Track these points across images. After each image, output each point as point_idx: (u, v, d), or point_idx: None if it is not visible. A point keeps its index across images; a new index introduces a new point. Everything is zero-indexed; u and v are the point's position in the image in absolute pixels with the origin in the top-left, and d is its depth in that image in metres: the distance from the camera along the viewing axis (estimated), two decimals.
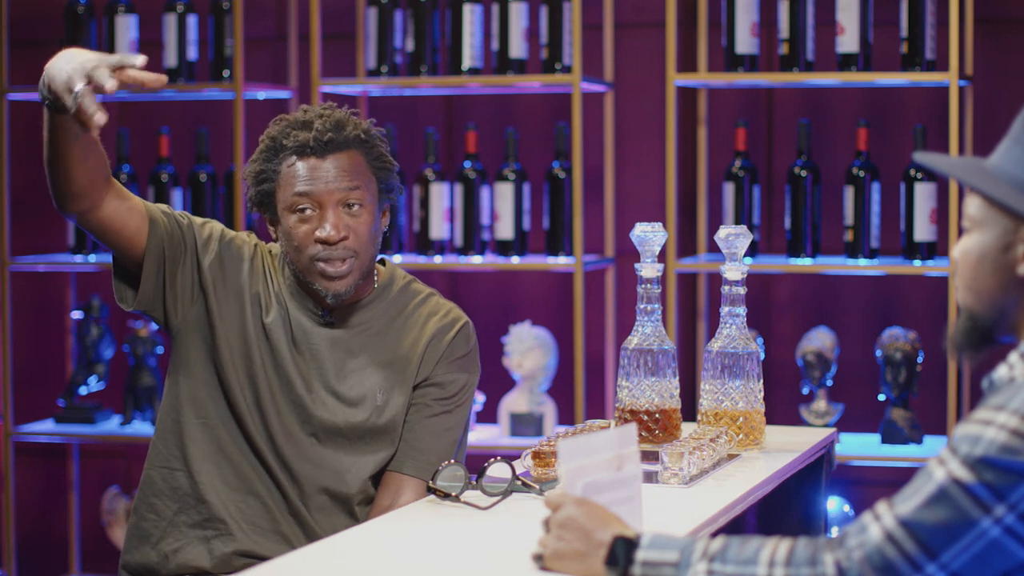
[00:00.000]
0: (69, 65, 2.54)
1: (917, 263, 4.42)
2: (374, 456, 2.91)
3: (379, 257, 3.00)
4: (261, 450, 2.88)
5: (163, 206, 2.87)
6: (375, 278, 2.97)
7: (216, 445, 2.89)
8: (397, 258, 4.75)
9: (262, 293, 2.91)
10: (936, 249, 4.45)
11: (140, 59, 2.56)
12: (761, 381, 3.01)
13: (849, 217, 4.50)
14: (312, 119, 2.87)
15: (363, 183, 2.86)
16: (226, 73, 4.84)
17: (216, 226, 2.93)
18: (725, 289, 3.01)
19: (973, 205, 2.06)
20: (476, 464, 2.70)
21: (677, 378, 2.88)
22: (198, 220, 2.91)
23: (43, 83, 2.58)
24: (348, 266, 2.84)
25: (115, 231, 2.78)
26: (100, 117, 2.53)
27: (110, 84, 2.52)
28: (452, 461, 2.65)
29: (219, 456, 2.89)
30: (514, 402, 4.78)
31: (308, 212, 2.83)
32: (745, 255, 3.01)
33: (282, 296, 2.92)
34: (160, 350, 4.98)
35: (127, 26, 4.87)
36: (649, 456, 2.69)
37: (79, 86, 2.52)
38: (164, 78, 2.59)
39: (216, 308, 2.88)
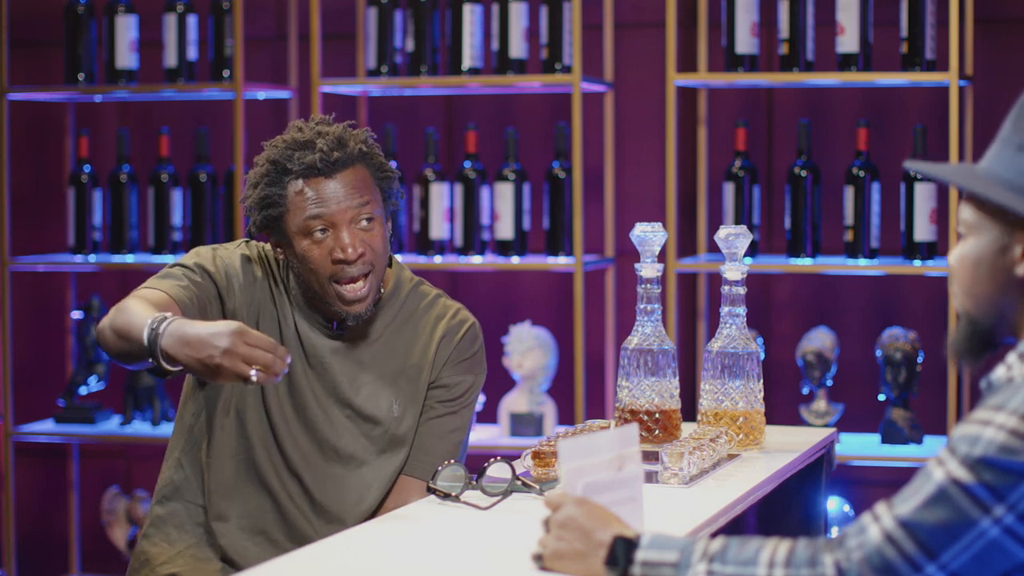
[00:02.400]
0: (212, 351, 2.45)
1: (917, 263, 4.42)
2: (393, 464, 2.90)
3: None
4: (270, 482, 2.86)
5: (174, 277, 2.78)
6: (381, 283, 2.95)
7: (222, 483, 2.87)
8: (397, 258, 4.74)
9: (276, 313, 2.88)
10: (936, 249, 4.45)
11: (287, 358, 2.49)
12: (761, 381, 3.01)
13: (849, 217, 4.50)
14: (313, 138, 2.81)
15: (372, 196, 2.82)
16: (226, 73, 4.84)
17: (224, 257, 2.86)
18: (725, 289, 3.01)
19: (967, 210, 2.06)
20: (476, 464, 2.70)
21: (677, 378, 2.88)
22: (208, 263, 2.83)
23: (159, 344, 2.50)
24: (368, 287, 2.81)
25: None
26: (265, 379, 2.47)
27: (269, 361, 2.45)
28: (452, 461, 2.65)
29: (231, 492, 2.87)
30: (514, 402, 4.78)
31: (321, 234, 2.79)
32: (745, 255, 3.01)
33: (292, 308, 2.88)
34: None
35: (127, 26, 4.87)
36: (649, 456, 2.69)
37: (253, 374, 2.43)
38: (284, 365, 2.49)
39: None
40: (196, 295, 2.78)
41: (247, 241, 2.95)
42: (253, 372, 2.44)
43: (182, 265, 2.83)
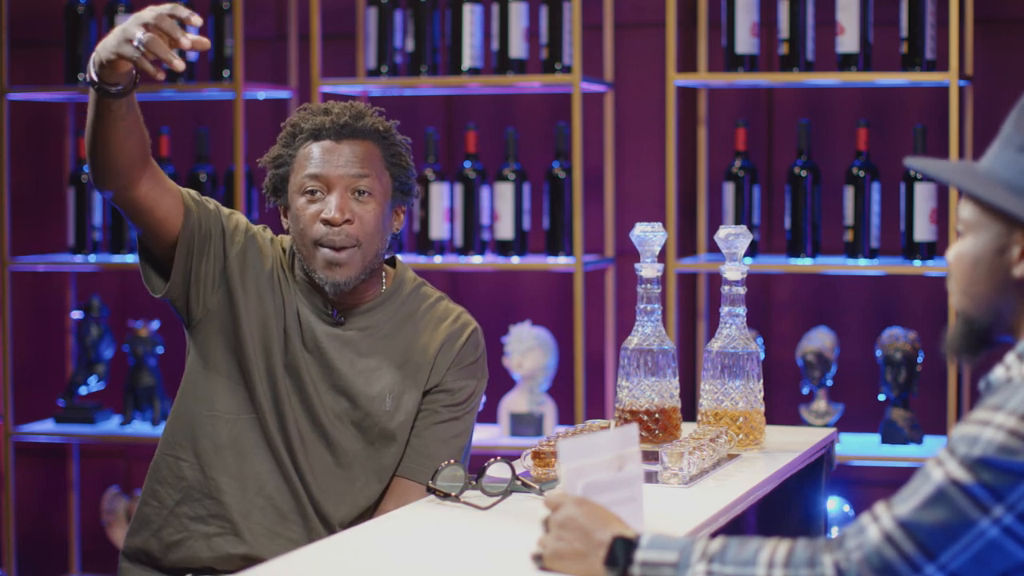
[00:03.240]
0: (117, 29, 2.55)
1: (917, 263, 4.42)
2: (382, 459, 2.90)
3: (389, 256, 2.99)
4: (277, 449, 2.86)
5: (193, 192, 2.87)
6: (383, 280, 2.95)
7: (231, 440, 2.87)
8: (399, 258, 4.74)
9: (283, 291, 2.90)
10: (936, 249, 4.45)
11: (196, 19, 2.58)
12: (761, 381, 3.01)
13: (849, 217, 4.50)
14: (332, 107, 2.89)
15: (375, 173, 2.86)
16: (226, 73, 4.85)
17: (242, 218, 2.93)
18: (725, 289, 3.01)
19: (966, 209, 2.06)
20: (476, 464, 2.70)
21: (677, 378, 2.88)
22: (225, 209, 2.91)
23: (91, 63, 2.58)
24: (348, 255, 2.83)
25: (147, 212, 2.77)
26: (178, 64, 2.53)
27: (154, 17, 2.53)
28: (452, 461, 2.65)
29: (232, 452, 2.87)
30: (514, 402, 4.78)
31: (317, 194, 2.84)
32: (745, 255, 3.01)
33: (295, 293, 2.90)
34: (160, 350, 4.98)
35: None
36: (649, 456, 2.69)
37: (139, 34, 2.52)
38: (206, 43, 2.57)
39: (240, 300, 2.86)
40: (200, 217, 2.83)
41: (265, 227, 2.99)
42: (140, 34, 2.52)
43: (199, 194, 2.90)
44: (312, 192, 2.84)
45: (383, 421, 2.90)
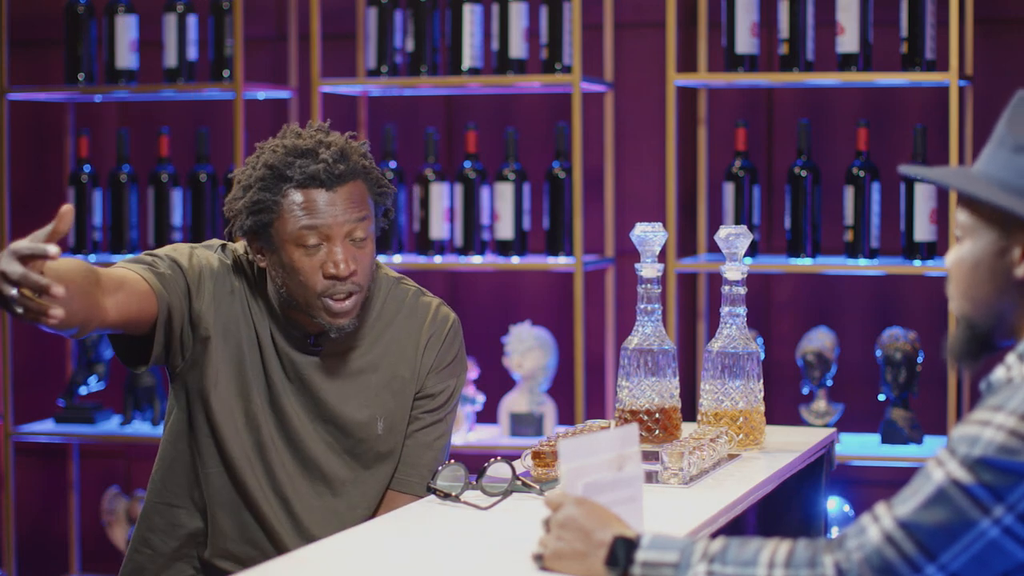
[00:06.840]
0: None
1: (917, 263, 4.42)
2: (378, 480, 2.88)
3: None
4: (256, 500, 2.81)
5: (144, 264, 2.73)
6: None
7: (212, 492, 2.82)
8: (397, 258, 4.74)
9: (255, 327, 2.81)
10: (936, 249, 4.45)
11: (52, 249, 2.40)
12: (761, 381, 3.01)
13: (849, 217, 4.50)
14: (315, 147, 2.74)
15: (368, 213, 2.76)
16: (226, 73, 4.85)
17: (200, 257, 2.80)
18: (725, 289, 3.01)
19: (963, 214, 2.06)
20: (476, 464, 2.70)
21: (677, 378, 2.88)
22: (183, 258, 2.77)
23: None
24: (353, 301, 2.75)
25: (126, 324, 2.66)
26: (56, 312, 2.35)
27: (16, 270, 2.37)
28: (452, 461, 2.65)
29: (214, 504, 2.82)
30: (514, 402, 4.78)
31: (314, 245, 2.72)
32: (745, 255, 3.01)
33: (269, 323, 2.82)
34: None
35: (127, 26, 4.87)
36: (649, 456, 2.69)
37: (12, 291, 2.36)
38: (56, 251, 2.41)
39: (213, 349, 2.78)
40: (165, 289, 2.71)
41: (224, 245, 2.88)
42: (15, 291, 2.36)
43: (152, 255, 2.77)
44: (309, 244, 2.72)
45: (377, 445, 2.86)
